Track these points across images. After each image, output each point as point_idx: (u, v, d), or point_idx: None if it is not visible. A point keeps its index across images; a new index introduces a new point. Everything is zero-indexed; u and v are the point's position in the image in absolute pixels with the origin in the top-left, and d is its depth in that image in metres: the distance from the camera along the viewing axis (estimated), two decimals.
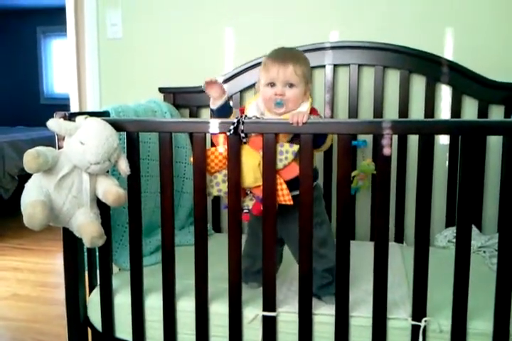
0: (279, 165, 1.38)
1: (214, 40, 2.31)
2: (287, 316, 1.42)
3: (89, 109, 2.49)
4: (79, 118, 1.41)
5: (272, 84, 1.45)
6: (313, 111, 1.48)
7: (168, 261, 1.48)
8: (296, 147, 1.36)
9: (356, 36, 2.12)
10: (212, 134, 1.44)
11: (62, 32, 3.91)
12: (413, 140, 2.06)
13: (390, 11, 2.12)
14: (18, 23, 6.27)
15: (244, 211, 1.44)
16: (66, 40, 2.73)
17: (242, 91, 2.23)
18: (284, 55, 1.47)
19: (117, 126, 1.43)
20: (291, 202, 1.39)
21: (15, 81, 6.35)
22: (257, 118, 1.41)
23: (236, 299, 1.43)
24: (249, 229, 1.58)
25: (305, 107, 1.47)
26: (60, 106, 2.80)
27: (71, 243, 1.51)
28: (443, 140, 2.10)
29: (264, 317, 1.42)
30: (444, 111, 2.10)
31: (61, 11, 3.42)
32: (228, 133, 1.35)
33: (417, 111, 2.11)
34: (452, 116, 2.06)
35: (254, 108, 1.51)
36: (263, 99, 1.49)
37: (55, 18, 5.66)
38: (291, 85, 1.44)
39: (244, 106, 1.56)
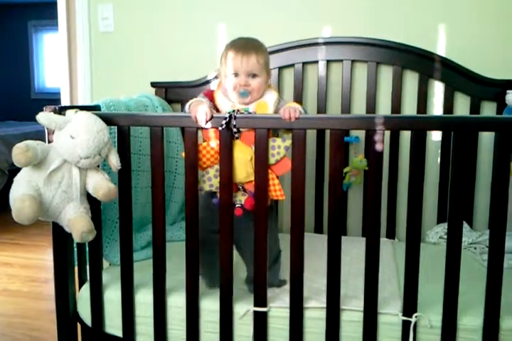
0: (272, 160, 1.38)
1: (207, 35, 2.29)
2: (278, 311, 1.42)
3: (80, 103, 2.47)
4: (69, 112, 1.39)
5: (235, 74, 1.45)
6: (279, 100, 1.50)
7: (159, 257, 1.47)
8: (288, 142, 1.36)
9: (349, 32, 2.11)
10: (202, 129, 1.43)
11: (54, 26, 3.89)
12: (405, 136, 2.07)
13: (383, 6, 2.11)
14: (9, 18, 6.21)
15: (237, 205, 1.43)
16: (57, 34, 2.71)
17: None
18: (246, 45, 1.47)
19: (108, 120, 1.41)
20: (283, 198, 1.38)
21: (6, 75, 6.30)
22: (248, 113, 1.41)
23: (227, 295, 1.43)
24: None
25: (273, 96, 1.48)
26: (51, 100, 2.78)
27: (61, 238, 1.50)
28: (435, 136, 2.10)
29: (255, 312, 1.42)
30: (436, 108, 2.10)
31: (52, 5, 3.40)
32: (220, 128, 1.34)
33: (409, 108, 2.11)
34: (444, 113, 2.06)
35: (222, 98, 1.49)
36: (229, 89, 1.48)
37: (46, 12, 5.62)
38: (254, 75, 1.44)
39: (213, 92, 1.53)
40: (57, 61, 5.79)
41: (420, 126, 1.29)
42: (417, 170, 1.31)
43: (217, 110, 1.49)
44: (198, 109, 1.35)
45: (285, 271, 1.49)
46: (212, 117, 1.35)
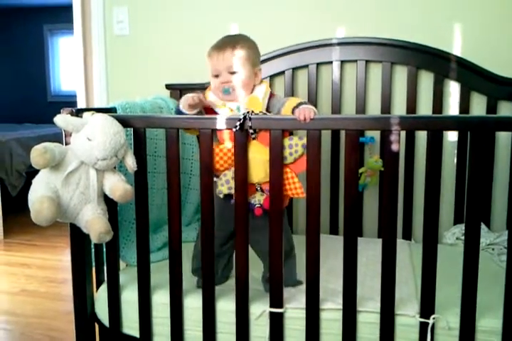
0: (290, 158, 1.38)
1: (220, 36, 2.29)
2: (294, 312, 1.42)
3: (96, 106, 2.50)
4: (86, 115, 1.41)
5: (217, 74, 1.46)
6: (271, 95, 1.50)
7: (175, 258, 1.47)
8: (305, 140, 1.36)
9: (363, 32, 2.11)
10: (217, 131, 1.43)
11: (69, 30, 3.91)
12: (421, 137, 2.05)
13: (397, 6, 2.10)
14: (25, 22, 6.28)
15: (256, 205, 1.43)
16: (72, 38, 2.74)
17: None
18: (222, 43, 1.48)
19: (124, 122, 1.42)
20: (304, 195, 1.38)
21: (22, 79, 6.37)
22: (263, 114, 1.41)
23: (243, 295, 1.43)
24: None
25: (262, 89, 1.48)
26: (67, 103, 2.80)
27: (78, 239, 1.51)
28: (451, 137, 2.08)
29: (271, 313, 1.42)
30: (452, 108, 2.09)
31: (67, 8, 3.44)
32: (234, 130, 1.34)
33: (425, 108, 2.09)
34: (460, 113, 2.05)
35: (214, 97, 1.51)
36: (213, 90, 1.50)
37: (61, 16, 5.67)
38: (234, 72, 1.45)
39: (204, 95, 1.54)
40: (72, 64, 5.85)
41: (436, 126, 1.28)
42: (434, 171, 1.30)
43: (211, 110, 1.49)
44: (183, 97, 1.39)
45: (301, 272, 1.48)
46: (200, 100, 1.38)
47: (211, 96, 1.51)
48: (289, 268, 1.51)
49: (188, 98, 1.39)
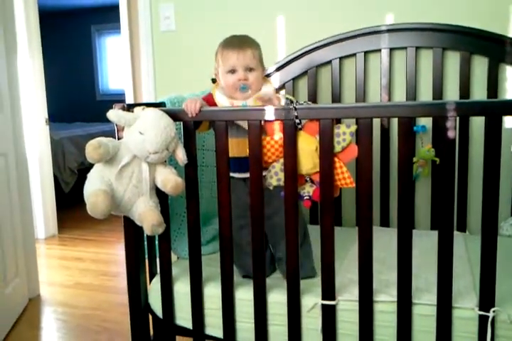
0: (338, 147, 1.35)
1: (266, 29, 2.28)
2: (347, 305, 1.40)
3: (144, 102, 2.54)
4: (137, 109, 1.43)
5: (233, 71, 1.51)
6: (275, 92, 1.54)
7: (226, 250, 1.48)
8: (353, 127, 1.34)
9: (413, 18, 2.04)
10: (266, 123, 1.42)
11: (116, 29, 4.00)
12: (476, 123, 1.98)
13: None
14: (73, 23, 6.47)
15: (305, 197, 1.42)
16: (119, 38, 2.81)
17: (294, 79, 2.21)
18: (239, 42, 1.55)
19: (174, 115, 1.44)
20: (353, 185, 1.36)
21: (72, 79, 6.57)
22: (308, 104, 1.39)
23: (294, 287, 1.42)
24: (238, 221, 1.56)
25: (270, 88, 1.54)
26: (116, 101, 2.85)
27: (132, 232, 1.54)
28: (508, 124, 2.00)
29: (323, 305, 1.40)
30: (509, 94, 2.00)
31: (114, 9, 3.50)
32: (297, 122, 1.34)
33: (478, 95, 2.02)
34: None
35: (221, 96, 1.55)
36: (226, 86, 1.54)
37: (108, 17, 5.80)
38: (251, 69, 1.50)
39: (210, 95, 1.58)
40: (119, 63, 5.98)
41: (495, 110, 1.23)
42: (492, 159, 1.25)
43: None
44: (189, 100, 1.42)
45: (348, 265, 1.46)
46: (200, 109, 1.40)
47: (218, 96, 1.55)
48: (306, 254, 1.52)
49: (189, 110, 1.41)
